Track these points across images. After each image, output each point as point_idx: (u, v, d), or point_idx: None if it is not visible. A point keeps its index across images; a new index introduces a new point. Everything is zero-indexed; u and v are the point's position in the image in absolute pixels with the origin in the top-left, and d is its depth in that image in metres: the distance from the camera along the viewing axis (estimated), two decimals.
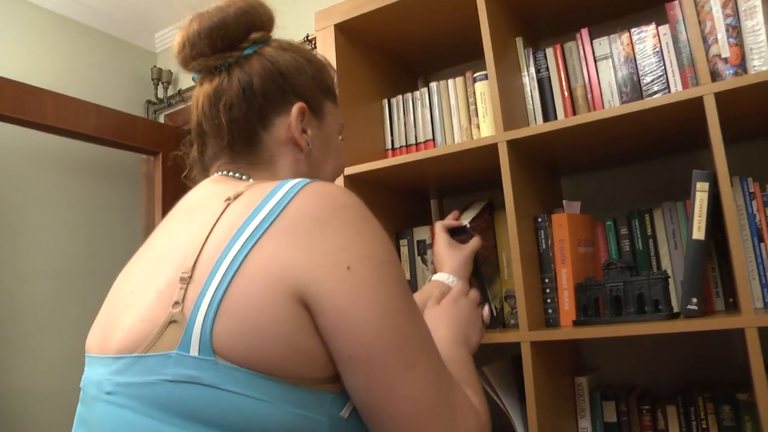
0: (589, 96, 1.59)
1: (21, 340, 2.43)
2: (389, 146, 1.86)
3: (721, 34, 1.30)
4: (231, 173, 0.90)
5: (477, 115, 1.71)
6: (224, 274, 0.67)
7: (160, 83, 3.11)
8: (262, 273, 0.67)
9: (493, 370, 1.53)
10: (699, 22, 1.33)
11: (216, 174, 0.91)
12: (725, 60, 1.30)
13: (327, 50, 1.77)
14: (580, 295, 1.46)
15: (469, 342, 1.09)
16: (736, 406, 1.41)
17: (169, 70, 3.13)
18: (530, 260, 1.49)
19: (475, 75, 1.72)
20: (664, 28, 1.48)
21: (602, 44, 1.58)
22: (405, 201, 1.97)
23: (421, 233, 1.81)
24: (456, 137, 1.75)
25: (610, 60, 1.57)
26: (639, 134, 1.52)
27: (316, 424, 0.67)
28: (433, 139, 1.79)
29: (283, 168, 0.91)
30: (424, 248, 1.79)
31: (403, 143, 1.84)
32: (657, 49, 1.49)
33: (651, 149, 1.68)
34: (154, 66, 3.14)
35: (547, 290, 1.52)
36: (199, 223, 0.75)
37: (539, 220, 1.55)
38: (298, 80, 0.92)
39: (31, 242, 2.55)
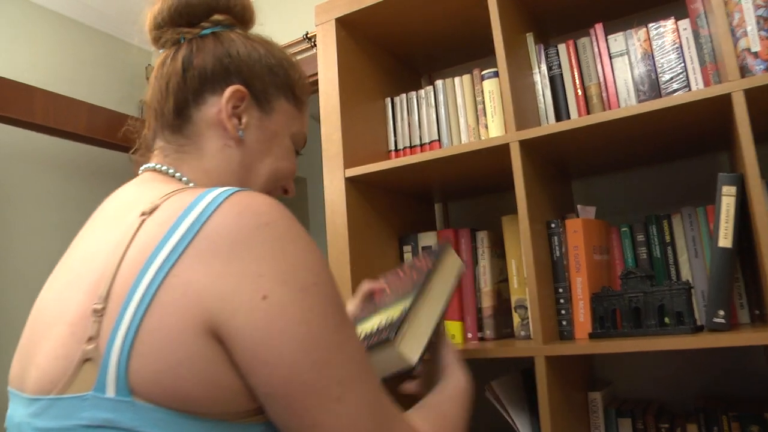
0: (604, 95, 1.50)
1: (14, 341, 2.34)
2: (392, 147, 1.78)
3: (751, 27, 1.22)
4: (160, 166, 0.86)
5: (485, 115, 1.63)
6: (138, 305, 0.62)
7: None
8: (176, 304, 0.62)
9: (501, 385, 1.45)
10: (727, 13, 1.24)
11: (150, 166, 0.87)
12: (755, 54, 1.21)
13: (328, 45, 1.69)
14: (597, 306, 1.37)
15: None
16: (765, 427, 1.32)
17: None
18: (543, 268, 1.40)
19: (483, 73, 1.63)
20: (684, 23, 1.40)
21: (618, 40, 1.50)
22: (409, 205, 1.88)
23: (426, 239, 1.72)
24: (463, 138, 1.67)
25: (626, 57, 1.49)
26: (657, 135, 1.44)
27: None
28: (439, 140, 1.70)
29: (210, 152, 0.85)
30: None
31: (407, 144, 1.75)
32: (676, 45, 1.41)
33: (669, 151, 1.60)
34: (149, 65, 3.06)
35: (561, 300, 1.43)
36: (115, 240, 0.70)
37: (552, 225, 1.46)
38: (248, 66, 0.88)
39: (23, 243, 2.47)
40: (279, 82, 0.91)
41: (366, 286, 1.26)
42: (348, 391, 0.64)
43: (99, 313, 0.64)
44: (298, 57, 2.53)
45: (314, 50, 2.48)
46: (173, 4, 0.89)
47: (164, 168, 0.85)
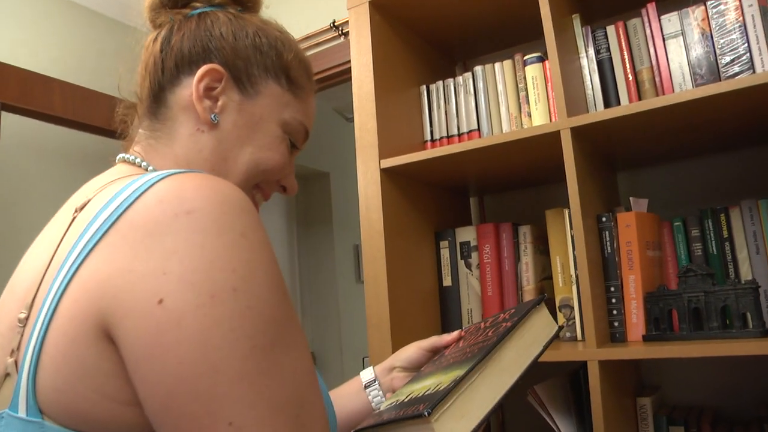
0: (657, 79, 1.41)
1: None
2: (428, 137, 1.70)
3: None
4: (130, 156, 0.80)
5: (528, 102, 1.54)
6: (47, 312, 0.56)
7: None
8: (77, 307, 0.55)
9: (545, 389, 1.36)
10: None
11: (121, 156, 0.81)
12: None
13: (361, 29, 1.62)
14: (652, 306, 1.28)
15: None
16: None
17: None
18: (594, 265, 1.31)
19: (526, 58, 1.54)
20: None
21: (672, 20, 1.40)
22: (444, 198, 1.80)
23: (464, 234, 1.64)
24: (504, 126, 1.58)
25: (681, 38, 1.39)
26: (716, 122, 1.34)
27: None
28: (479, 129, 1.62)
29: (181, 138, 0.78)
30: (468, 251, 1.62)
31: (444, 134, 1.67)
32: (740, 23, 1.31)
33: (728, 139, 1.50)
34: None
35: (613, 300, 1.34)
36: (49, 241, 0.65)
37: (603, 219, 1.37)
38: (230, 45, 0.80)
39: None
40: (268, 63, 0.82)
41: (442, 338, 1.06)
42: (247, 424, 0.52)
43: (22, 323, 0.58)
44: (325, 46, 2.47)
45: (341, 39, 2.41)
46: None
47: (131, 158, 0.79)
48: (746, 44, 1.30)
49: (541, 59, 1.52)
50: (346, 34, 2.40)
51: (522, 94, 1.56)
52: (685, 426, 1.39)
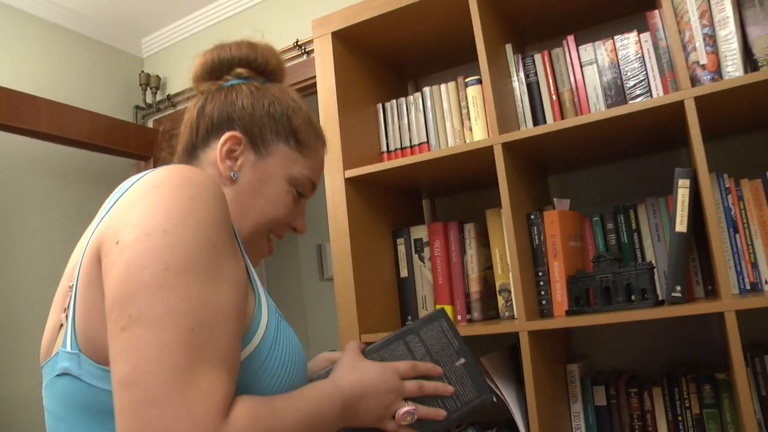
0: (576, 100, 1.69)
1: (17, 346, 2.46)
2: (385, 149, 1.95)
3: (699, 43, 1.41)
4: None
5: (469, 118, 1.80)
6: (77, 272, 0.78)
7: (148, 88, 3.16)
8: (89, 261, 0.76)
9: (490, 360, 1.62)
10: (679, 31, 1.43)
11: None
12: (703, 66, 1.41)
13: (324, 57, 1.85)
14: (572, 287, 1.56)
15: (350, 405, 0.94)
16: (716, 385, 1.52)
17: (157, 75, 3.18)
18: (524, 255, 1.59)
19: (467, 80, 1.81)
20: (645, 36, 1.59)
21: (587, 50, 1.68)
22: (400, 201, 2.06)
23: (418, 232, 1.90)
24: (449, 139, 1.84)
25: (595, 65, 1.67)
26: (623, 135, 1.63)
27: None
28: (427, 142, 1.88)
29: None
30: (421, 246, 1.88)
31: (398, 146, 1.93)
32: (639, 55, 1.60)
33: (634, 148, 1.79)
34: (142, 71, 3.19)
35: (541, 283, 1.62)
36: (87, 233, 0.85)
37: (532, 217, 1.65)
38: (249, 114, 0.98)
39: (25, 249, 2.58)
40: (280, 128, 1.00)
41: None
42: (136, 325, 0.65)
43: (71, 289, 0.79)
44: (290, 64, 2.69)
45: (305, 57, 2.65)
46: (205, 63, 1.04)
47: None
48: (645, 72, 1.59)
49: (480, 81, 1.79)
50: (309, 53, 2.63)
51: (464, 111, 1.82)
52: (605, 386, 1.68)
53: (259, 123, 0.99)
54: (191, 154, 1.00)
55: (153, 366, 0.64)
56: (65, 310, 0.79)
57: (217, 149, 0.96)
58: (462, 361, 1.10)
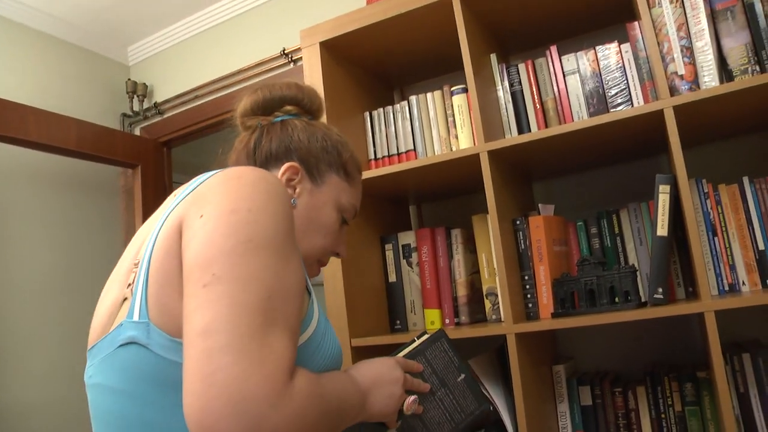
0: (559, 108, 1.73)
1: (5, 354, 2.47)
2: (372, 156, 1.99)
3: (677, 54, 1.47)
4: None
5: (455, 126, 1.84)
6: (150, 248, 0.82)
7: (135, 96, 3.17)
8: (166, 238, 0.81)
9: (478, 363, 1.66)
10: (658, 42, 1.49)
11: None
12: (681, 77, 1.46)
13: (312, 66, 1.89)
14: (558, 290, 1.60)
15: (365, 395, 0.99)
16: (697, 384, 1.57)
17: (144, 83, 3.19)
18: (511, 259, 1.63)
19: (453, 89, 1.85)
20: (626, 46, 1.64)
21: (570, 60, 1.73)
22: (387, 208, 2.10)
23: (405, 237, 1.94)
24: (436, 146, 1.88)
25: (577, 75, 1.72)
26: (606, 142, 1.68)
27: None
28: (414, 149, 1.91)
29: None
30: (409, 251, 1.92)
31: (386, 153, 1.96)
32: (620, 65, 1.65)
33: (616, 155, 1.84)
34: (129, 79, 3.20)
35: (527, 286, 1.66)
36: (153, 218, 0.92)
37: (517, 222, 1.69)
38: (306, 147, 1.08)
39: (12, 257, 2.58)
40: (332, 160, 1.10)
41: None
42: (219, 283, 0.71)
43: (137, 266, 0.83)
44: (276, 72, 2.73)
45: (291, 65, 2.68)
46: (257, 101, 1.13)
47: None
48: (626, 81, 1.64)
49: (465, 90, 1.83)
50: (295, 61, 2.67)
51: (450, 119, 1.86)
52: (590, 386, 1.72)
53: (315, 155, 1.08)
54: None
55: (233, 318, 0.69)
56: (129, 285, 0.83)
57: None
58: (462, 376, 1.19)
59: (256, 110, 1.13)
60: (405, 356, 1.15)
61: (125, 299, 0.83)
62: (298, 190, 1.05)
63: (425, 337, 1.20)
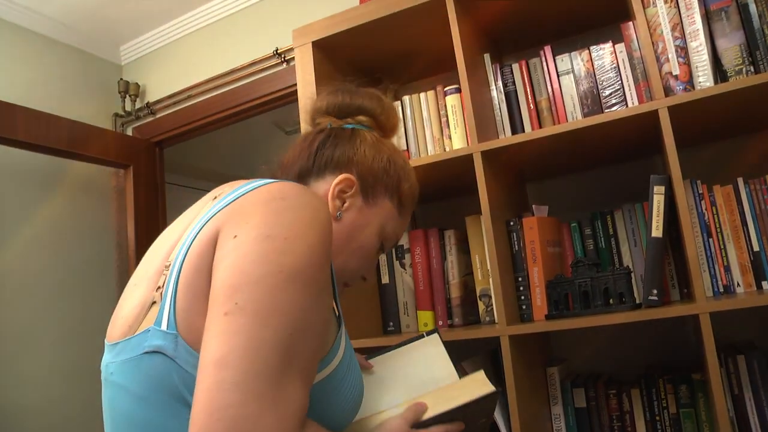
0: (553, 108, 1.73)
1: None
2: None
3: (672, 54, 1.46)
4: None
5: (449, 127, 1.83)
6: (183, 256, 0.79)
7: (127, 96, 3.15)
8: (199, 250, 0.78)
9: (472, 364, 1.65)
10: (652, 43, 1.48)
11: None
12: (676, 77, 1.45)
13: (305, 66, 1.88)
14: (552, 291, 1.59)
15: None
16: (692, 385, 1.57)
17: (137, 83, 3.17)
18: (504, 261, 1.62)
19: (446, 89, 1.84)
20: (620, 46, 1.63)
21: (564, 60, 1.72)
22: None
23: None
24: (429, 147, 1.87)
25: (571, 75, 1.71)
26: (600, 143, 1.67)
27: None
28: (408, 150, 1.90)
29: None
30: (402, 253, 1.91)
31: None
32: (614, 65, 1.64)
33: (610, 156, 1.83)
34: (121, 79, 3.18)
35: (521, 288, 1.65)
36: (186, 218, 0.89)
37: (511, 223, 1.68)
38: (368, 163, 1.04)
39: (3, 259, 2.56)
40: (390, 183, 1.06)
41: None
42: (241, 314, 0.69)
43: (168, 269, 0.81)
44: (269, 72, 2.71)
45: (284, 65, 2.67)
46: (335, 102, 1.11)
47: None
48: (620, 81, 1.63)
49: (459, 90, 1.81)
50: (288, 61, 2.65)
51: (443, 119, 1.85)
52: (585, 388, 1.71)
53: (375, 174, 1.04)
54: (302, 179, 1.04)
55: (250, 354, 0.67)
56: (159, 288, 0.81)
57: (330, 185, 1.01)
58: (483, 420, 1.14)
59: (331, 111, 1.11)
60: (452, 411, 1.04)
61: (154, 302, 0.81)
62: (347, 204, 1.02)
63: (421, 340, 1.18)
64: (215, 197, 0.89)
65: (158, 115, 3.12)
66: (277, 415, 0.67)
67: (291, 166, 1.07)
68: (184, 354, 0.75)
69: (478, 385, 1.07)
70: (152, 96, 3.16)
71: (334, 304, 0.90)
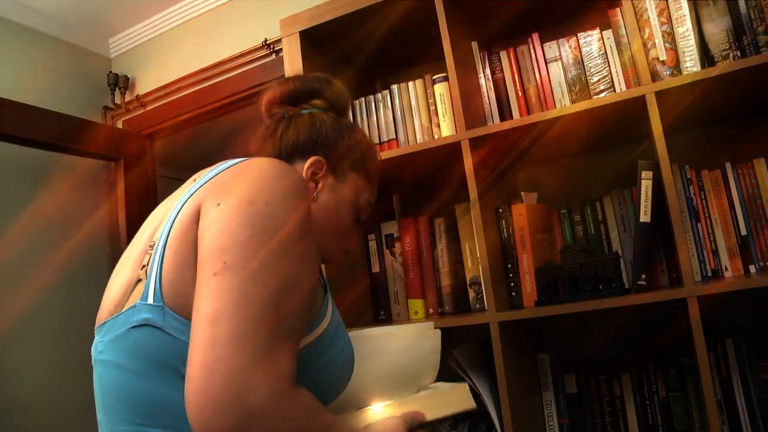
0: (541, 95, 1.72)
1: None
2: None
3: (658, 40, 1.46)
4: None
5: (437, 115, 1.83)
6: (167, 233, 0.82)
7: (116, 89, 3.14)
8: (183, 223, 0.81)
9: (462, 353, 1.65)
10: (639, 28, 1.48)
11: None
12: (663, 62, 1.45)
13: (293, 55, 1.87)
14: (541, 278, 1.60)
15: None
16: (681, 369, 1.57)
17: (126, 76, 3.15)
18: (494, 248, 1.62)
19: (434, 77, 1.83)
20: (608, 33, 1.63)
21: (552, 47, 1.72)
22: None
23: (388, 227, 1.93)
24: (418, 136, 1.86)
25: (559, 62, 1.71)
26: (588, 129, 1.67)
27: None
28: (396, 138, 1.90)
29: None
30: (392, 241, 1.91)
31: None
32: (602, 52, 1.64)
33: (599, 142, 1.84)
34: (110, 71, 3.16)
35: (510, 275, 1.66)
36: (171, 200, 0.93)
37: (500, 210, 1.68)
38: (332, 143, 1.08)
39: None
40: (355, 158, 1.09)
41: None
42: (230, 272, 0.72)
43: (152, 248, 0.84)
44: (258, 63, 2.70)
45: (273, 56, 2.65)
46: (287, 90, 1.13)
47: None
48: (608, 68, 1.63)
49: (447, 78, 1.81)
50: (277, 52, 2.64)
51: (432, 108, 1.85)
52: (575, 374, 1.72)
53: (340, 152, 1.08)
54: None
55: (241, 309, 0.70)
56: (144, 267, 0.84)
57: (302, 170, 1.04)
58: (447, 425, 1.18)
59: (284, 100, 1.13)
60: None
61: (139, 280, 0.84)
62: (320, 185, 1.05)
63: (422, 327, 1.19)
64: (195, 179, 0.93)
65: (148, 108, 3.10)
66: (270, 369, 0.69)
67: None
68: (172, 322, 0.78)
69: (462, 399, 1.10)
70: (142, 88, 3.14)
71: (320, 274, 0.92)
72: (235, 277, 0.71)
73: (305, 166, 1.04)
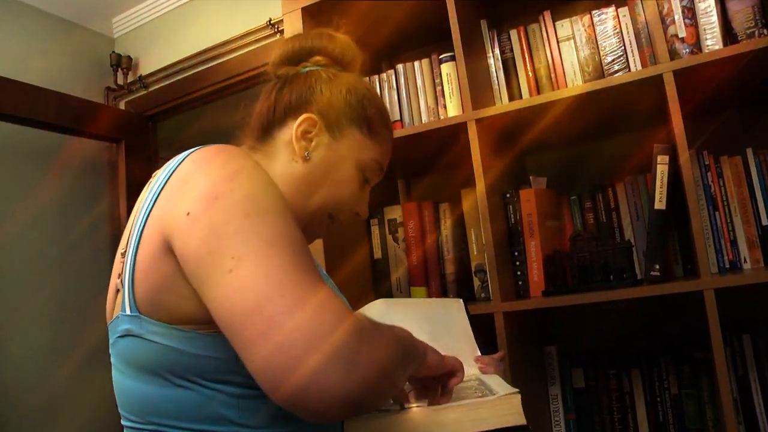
0: (553, 76, 1.65)
1: None
2: None
3: (678, 16, 1.38)
4: None
5: (444, 96, 1.76)
6: (135, 243, 0.82)
7: (119, 69, 3.08)
8: (152, 235, 0.80)
9: None
10: (657, 4, 1.39)
11: None
12: (682, 39, 1.37)
13: (295, 32, 1.79)
14: (549, 267, 1.53)
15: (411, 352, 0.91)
16: (694, 365, 1.50)
17: (129, 56, 3.10)
18: (500, 235, 1.55)
19: (441, 57, 1.76)
20: (624, 10, 1.55)
21: (564, 26, 1.64)
22: None
23: (391, 212, 1.86)
24: (423, 117, 1.80)
25: (572, 41, 1.64)
26: (601, 111, 1.59)
27: (226, 363, 0.77)
28: (401, 120, 1.83)
29: (278, 163, 1.01)
30: (395, 227, 1.84)
31: None
32: (617, 30, 1.56)
33: (612, 126, 1.76)
34: (113, 52, 3.10)
35: (517, 263, 1.59)
36: (140, 200, 0.90)
37: (507, 195, 1.61)
38: (326, 99, 1.02)
39: None
40: (354, 115, 1.03)
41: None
42: (242, 263, 0.71)
43: (123, 256, 0.84)
44: (263, 43, 2.64)
45: (278, 36, 2.59)
46: (287, 50, 1.09)
47: None
48: (623, 47, 1.56)
49: (454, 58, 1.74)
50: (282, 32, 2.57)
51: (438, 88, 1.78)
52: (583, 367, 1.65)
53: (336, 108, 1.03)
54: (267, 132, 1.04)
55: (275, 286, 0.69)
56: (119, 276, 0.85)
57: (293, 129, 1.00)
58: None
59: (285, 61, 1.09)
60: None
61: (118, 290, 0.85)
62: (314, 143, 1.01)
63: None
64: (150, 183, 0.89)
65: (151, 89, 3.04)
66: (332, 308, 0.70)
67: (255, 124, 1.06)
68: (149, 327, 0.79)
69: (512, 412, 0.97)
70: (145, 69, 3.08)
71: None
72: (252, 264, 0.71)
73: (295, 124, 1.00)
